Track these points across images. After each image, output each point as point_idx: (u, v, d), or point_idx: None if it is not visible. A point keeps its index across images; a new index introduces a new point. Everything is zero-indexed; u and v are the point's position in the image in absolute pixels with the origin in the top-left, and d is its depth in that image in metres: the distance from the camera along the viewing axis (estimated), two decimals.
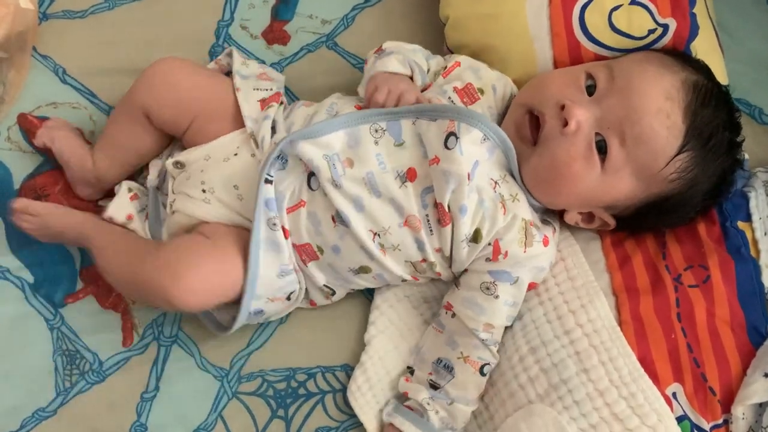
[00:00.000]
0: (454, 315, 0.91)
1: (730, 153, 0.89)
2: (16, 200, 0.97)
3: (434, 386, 0.91)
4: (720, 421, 0.85)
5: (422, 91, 0.94)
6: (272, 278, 0.90)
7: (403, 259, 0.90)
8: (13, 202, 0.97)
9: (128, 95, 0.96)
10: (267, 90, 0.96)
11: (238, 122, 0.94)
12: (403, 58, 0.93)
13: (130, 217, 0.98)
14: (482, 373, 0.90)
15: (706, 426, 0.84)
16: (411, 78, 0.94)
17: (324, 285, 0.94)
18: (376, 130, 0.89)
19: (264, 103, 0.95)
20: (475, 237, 0.88)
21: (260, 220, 0.88)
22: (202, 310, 0.92)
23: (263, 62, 1.08)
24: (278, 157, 0.88)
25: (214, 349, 0.98)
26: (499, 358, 0.91)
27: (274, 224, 0.88)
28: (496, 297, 0.88)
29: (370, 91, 0.90)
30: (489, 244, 0.88)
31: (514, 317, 0.91)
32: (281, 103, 0.96)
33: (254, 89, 0.95)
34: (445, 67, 0.95)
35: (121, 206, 0.98)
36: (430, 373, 0.91)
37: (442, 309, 0.93)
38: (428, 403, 0.90)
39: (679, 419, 0.84)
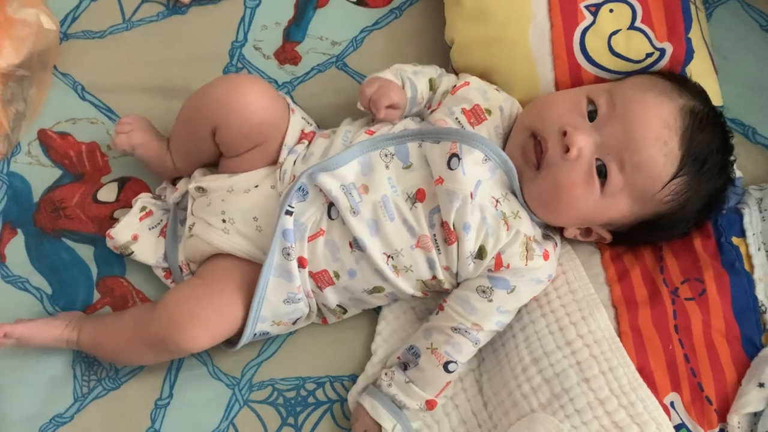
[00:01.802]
0: (440, 311, 0.93)
1: (722, 173, 0.91)
2: None
3: (402, 367, 0.93)
4: (716, 429, 0.87)
5: (431, 110, 0.97)
6: (278, 304, 0.93)
7: (414, 278, 0.93)
8: None
9: (198, 108, 0.95)
10: (310, 124, 1.00)
11: (273, 155, 0.96)
12: (396, 71, 0.97)
13: (135, 237, 1.00)
14: (447, 370, 0.91)
15: None
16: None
17: (337, 305, 0.97)
18: (386, 155, 0.92)
19: (302, 136, 0.97)
20: (480, 254, 0.90)
21: (276, 247, 0.90)
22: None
23: (275, 81, 1.11)
24: (299, 188, 0.91)
25: (225, 359, 1.00)
26: (467, 360, 0.92)
27: (288, 254, 0.91)
28: (490, 301, 0.90)
29: (361, 88, 0.94)
30: (492, 257, 0.90)
31: (504, 324, 0.93)
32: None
33: (302, 117, 0.99)
34: (455, 86, 0.98)
35: (128, 227, 1.00)
36: (399, 357, 0.94)
37: (435, 309, 0.95)
38: (386, 373, 0.93)
39: (677, 428, 0.86)
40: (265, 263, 0.91)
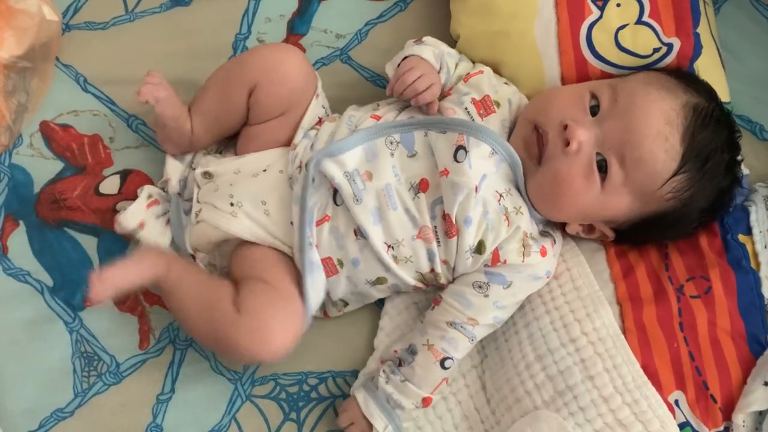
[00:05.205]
0: (435, 306, 0.93)
1: (728, 173, 0.91)
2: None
3: (397, 364, 0.93)
4: (721, 428, 0.87)
5: (442, 96, 0.96)
6: (320, 297, 0.93)
7: (414, 269, 0.93)
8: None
9: (240, 68, 0.96)
10: (327, 114, 1.01)
11: (288, 134, 0.97)
12: (439, 52, 0.96)
13: (141, 225, 0.99)
14: (443, 366, 0.91)
15: None
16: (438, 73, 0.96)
17: (339, 299, 0.97)
18: (391, 143, 0.92)
19: (318, 122, 0.98)
20: (479, 248, 0.90)
21: (305, 242, 0.90)
22: None
23: None
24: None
25: None
26: (463, 356, 0.92)
27: (310, 243, 0.91)
28: (486, 296, 0.90)
29: (403, 69, 0.92)
30: (490, 253, 0.90)
31: (501, 320, 0.92)
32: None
33: (322, 106, 1.00)
34: (469, 73, 0.98)
35: (135, 214, 0.99)
36: (396, 352, 0.94)
37: (431, 304, 0.95)
38: (383, 371, 0.93)
39: (681, 426, 0.86)
40: (305, 266, 0.90)
